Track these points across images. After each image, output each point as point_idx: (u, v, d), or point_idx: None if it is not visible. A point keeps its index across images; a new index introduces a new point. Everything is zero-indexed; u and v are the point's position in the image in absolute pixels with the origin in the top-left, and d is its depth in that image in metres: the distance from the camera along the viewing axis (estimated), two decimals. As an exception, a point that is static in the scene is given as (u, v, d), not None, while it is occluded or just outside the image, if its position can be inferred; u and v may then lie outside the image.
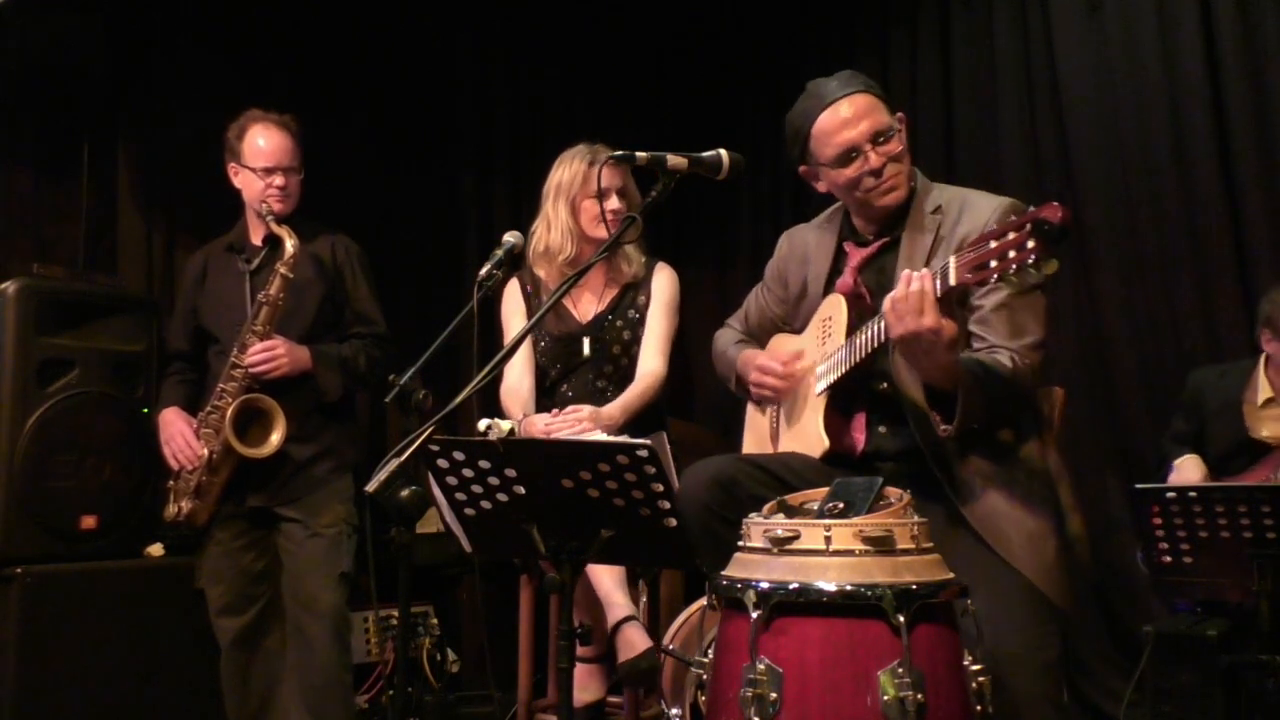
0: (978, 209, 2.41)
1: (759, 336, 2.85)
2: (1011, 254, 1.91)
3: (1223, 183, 3.77)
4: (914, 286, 2.08)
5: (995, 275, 1.94)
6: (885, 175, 2.42)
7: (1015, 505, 2.26)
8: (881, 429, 2.42)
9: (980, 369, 2.24)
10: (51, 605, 3.25)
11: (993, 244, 1.95)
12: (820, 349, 2.51)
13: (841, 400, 2.45)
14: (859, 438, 2.44)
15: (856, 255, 2.54)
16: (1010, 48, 4.26)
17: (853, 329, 2.39)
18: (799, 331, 2.68)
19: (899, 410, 2.37)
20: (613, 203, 3.26)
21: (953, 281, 2.04)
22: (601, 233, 3.26)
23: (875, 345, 2.25)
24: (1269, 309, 3.50)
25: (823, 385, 2.45)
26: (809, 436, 2.46)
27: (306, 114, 3.47)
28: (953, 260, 2.04)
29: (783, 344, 2.73)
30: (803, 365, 2.56)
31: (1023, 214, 1.91)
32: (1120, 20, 4.00)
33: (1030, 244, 1.87)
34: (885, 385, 2.41)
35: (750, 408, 2.85)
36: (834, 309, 2.48)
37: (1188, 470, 3.62)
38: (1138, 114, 3.95)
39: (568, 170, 3.33)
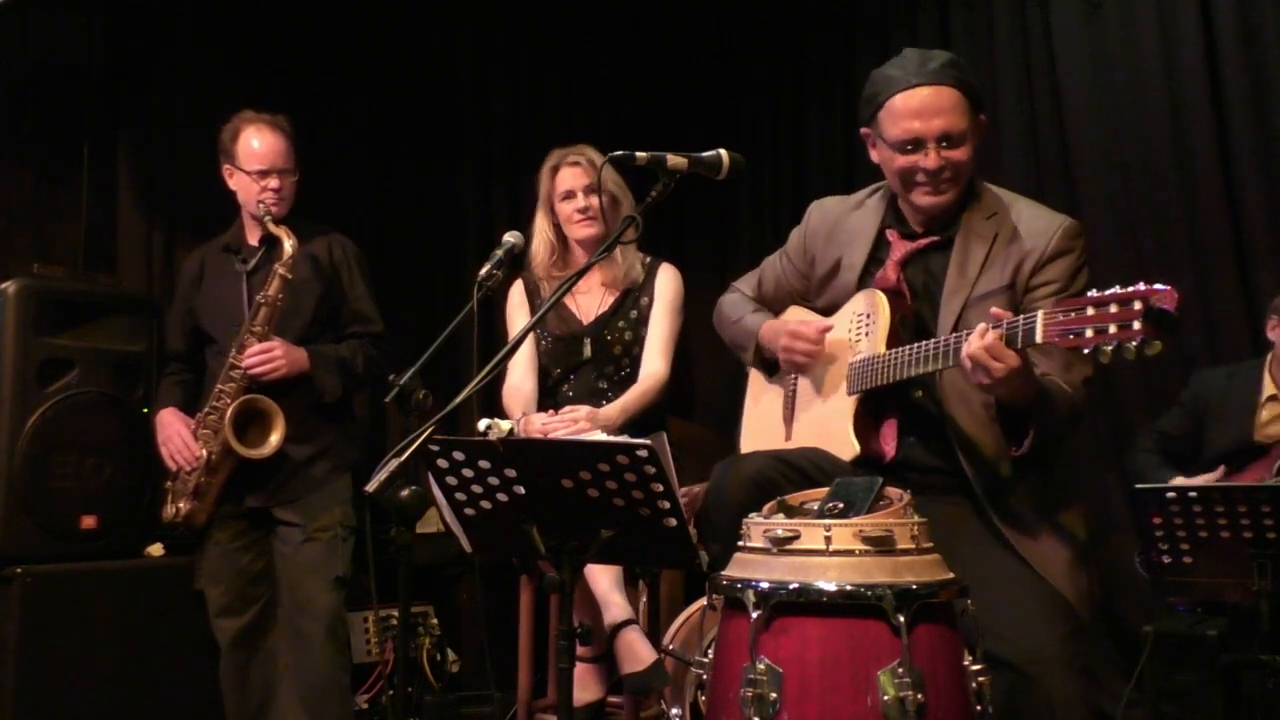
0: (1035, 225, 2.34)
1: (772, 306, 2.74)
2: (1113, 329, 1.86)
3: (1223, 182, 3.76)
4: (988, 340, 2.04)
5: (1090, 347, 1.90)
6: (939, 178, 2.33)
7: (1055, 533, 2.26)
8: (912, 439, 2.37)
9: (1048, 391, 2.21)
10: (51, 605, 3.25)
11: (1090, 310, 1.89)
12: (851, 343, 2.44)
13: (871, 404, 2.39)
14: (889, 445, 2.38)
15: (901, 248, 2.44)
16: (1010, 48, 4.25)
17: (894, 334, 2.33)
18: (821, 310, 2.60)
19: (932, 423, 2.33)
20: (578, 201, 3.29)
21: (1038, 340, 1.99)
22: (582, 232, 3.29)
23: (923, 370, 2.21)
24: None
25: (856, 388, 2.38)
26: (835, 438, 2.39)
27: (306, 114, 3.47)
28: (1040, 318, 1.99)
29: (801, 318, 2.63)
30: (834, 341, 2.47)
31: (1128, 287, 1.87)
32: (1120, 20, 3.99)
33: (1137, 325, 1.83)
34: (920, 393, 2.36)
35: (755, 387, 2.77)
36: (874, 307, 2.39)
37: None
38: (1138, 114, 3.95)
39: (540, 178, 3.38)
